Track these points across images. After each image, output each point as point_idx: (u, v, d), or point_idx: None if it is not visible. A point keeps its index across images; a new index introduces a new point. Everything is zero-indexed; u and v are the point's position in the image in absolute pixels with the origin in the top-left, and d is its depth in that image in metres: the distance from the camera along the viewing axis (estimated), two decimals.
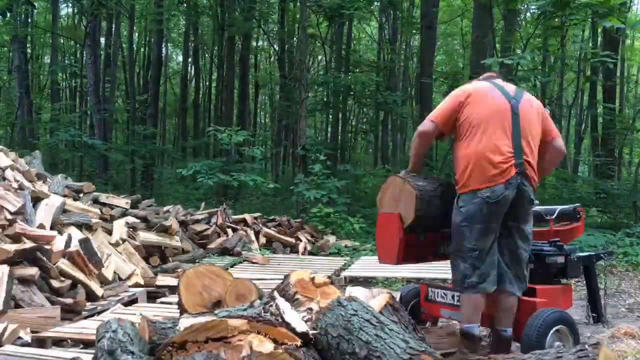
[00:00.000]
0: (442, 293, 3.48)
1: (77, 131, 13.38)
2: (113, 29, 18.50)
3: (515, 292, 3.15)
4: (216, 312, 2.33)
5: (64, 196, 5.64)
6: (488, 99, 3.15)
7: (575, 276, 3.85)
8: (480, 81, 3.37)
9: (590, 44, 14.59)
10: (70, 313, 3.88)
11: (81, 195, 6.38)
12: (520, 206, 3.10)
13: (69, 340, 3.29)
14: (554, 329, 3.08)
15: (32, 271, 3.79)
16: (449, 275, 3.66)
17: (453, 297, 3.38)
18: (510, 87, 3.32)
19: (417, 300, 3.69)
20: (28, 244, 3.98)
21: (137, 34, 22.96)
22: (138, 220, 6.14)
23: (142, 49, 24.52)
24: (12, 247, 3.80)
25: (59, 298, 3.87)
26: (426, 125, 3.25)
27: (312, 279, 2.81)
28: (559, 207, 3.89)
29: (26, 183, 5.28)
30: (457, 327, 3.51)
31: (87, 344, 3.19)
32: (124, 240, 5.49)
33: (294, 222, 8.70)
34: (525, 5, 12.15)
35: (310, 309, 2.50)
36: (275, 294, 2.39)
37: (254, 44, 22.66)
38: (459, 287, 3.16)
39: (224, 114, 16.59)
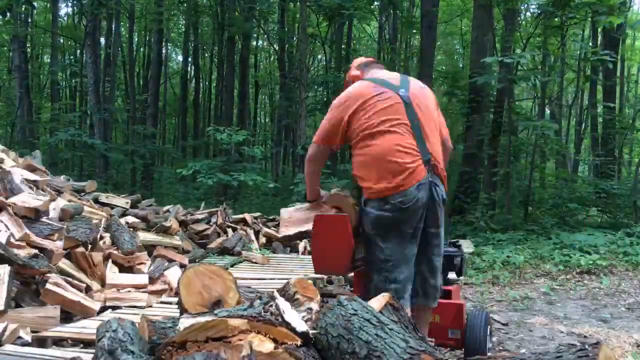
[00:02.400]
0: None
1: (77, 131, 13.38)
2: (113, 29, 18.51)
3: (432, 304, 2.89)
4: (216, 311, 2.33)
5: (69, 200, 5.66)
6: (374, 100, 2.78)
7: (465, 274, 3.80)
8: (359, 82, 2.95)
9: (590, 44, 14.60)
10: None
11: (83, 194, 6.38)
12: (433, 209, 2.76)
13: (69, 340, 3.28)
14: (488, 326, 3.14)
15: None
16: None
17: None
18: (393, 76, 2.96)
19: None
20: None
21: (137, 34, 22.97)
22: (138, 220, 6.13)
23: (142, 49, 24.55)
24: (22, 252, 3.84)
25: None
26: (311, 150, 2.96)
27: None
28: None
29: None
30: None
31: (87, 344, 3.19)
32: None
33: None
34: (525, 5, 12.15)
35: (310, 308, 2.50)
36: (276, 293, 2.39)
37: (254, 43, 22.67)
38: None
39: (223, 113, 16.61)
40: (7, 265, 3.48)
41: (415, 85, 2.92)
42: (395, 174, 2.67)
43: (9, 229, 3.95)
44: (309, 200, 3.14)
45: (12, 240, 3.85)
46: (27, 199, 4.46)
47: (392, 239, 2.71)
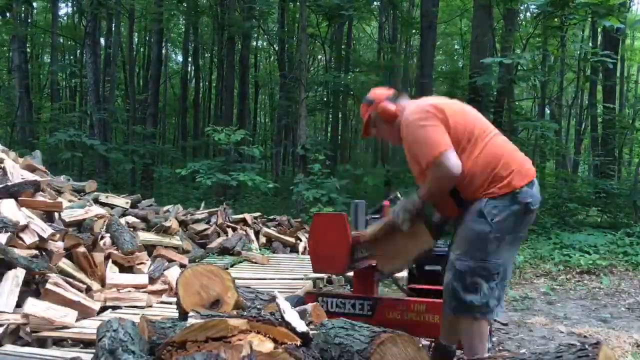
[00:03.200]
0: (338, 302, 3.18)
1: (77, 131, 13.38)
2: (113, 29, 18.51)
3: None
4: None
5: (69, 201, 5.67)
6: (457, 106, 2.70)
7: None
8: (425, 103, 2.73)
9: (590, 44, 14.60)
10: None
11: (83, 194, 6.38)
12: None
13: (69, 340, 3.29)
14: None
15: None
16: None
17: (354, 305, 3.12)
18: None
19: None
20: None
21: (137, 34, 22.97)
22: (138, 220, 6.14)
23: (142, 49, 24.54)
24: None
25: None
26: (452, 161, 2.50)
27: None
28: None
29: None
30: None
31: (87, 344, 3.19)
32: None
33: (294, 222, 8.70)
34: (525, 5, 12.15)
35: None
36: (276, 293, 2.39)
37: (254, 43, 22.68)
38: (478, 312, 2.56)
39: (223, 113, 16.60)
40: (23, 270, 3.53)
41: None
42: (524, 164, 2.59)
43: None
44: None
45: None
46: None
47: (508, 243, 2.55)
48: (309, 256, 3.08)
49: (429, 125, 2.56)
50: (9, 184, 4.65)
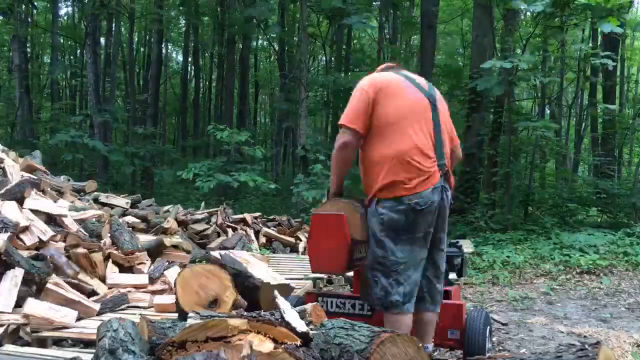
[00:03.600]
0: (337, 302, 3.20)
1: (78, 132, 13.37)
2: (113, 29, 18.52)
3: (437, 309, 2.87)
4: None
5: (71, 202, 5.68)
6: (404, 93, 2.74)
7: (465, 274, 3.76)
8: (389, 72, 2.89)
9: (590, 44, 14.60)
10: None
11: (83, 194, 6.39)
12: (443, 213, 2.76)
13: (69, 340, 3.29)
14: (488, 326, 3.10)
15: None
16: None
17: (353, 305, 3.15)
18: (421, 80, 2.91)
19: None
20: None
21: (137, 34, 22.98)
22: (138, 220, 6.14)
23: (142, 49, 24.56)
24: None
25: None
26: (347, 135, 2.72)
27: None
28: None
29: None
30: None
31: (87, 344, 3.19)
32: None
33: (294, 222, 8.71)
34: (525, 5, 12.14)
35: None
36: (276, 293, 2.39)
37: (254, 43, 22.67)
38: (378, 305, 2.73)
39: (223, 113, 16.62)
40: (22, 269, 3.54)
41: (437, 91, 2.91)
42: (414, 176, 2.62)
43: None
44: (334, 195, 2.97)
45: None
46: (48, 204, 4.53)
47: (403, 242, 2.65)
48: (308, 256, 3.08)
49: (355, 97, 2.76)
50: (10, 186, 4.65)
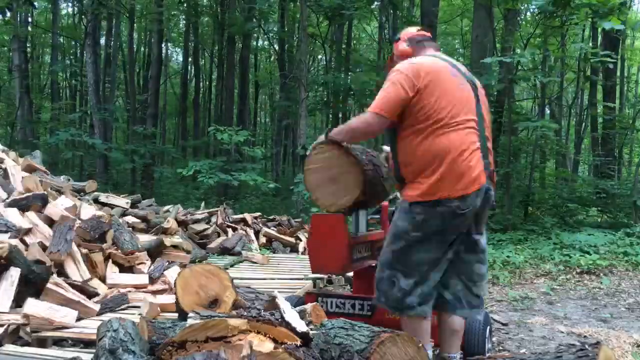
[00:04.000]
0: (337, 302, 3.17)
1: (78, 131, 13.39)
2: (113, 29, 18.52)
3: (469, 314, 2.67)
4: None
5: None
6: (455, 84, 2.52)
7: None
8: (431, 57, 2.63)
9: (590, 44, 14.60)
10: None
11: (83, 194, 6.38)
12: (483, 215, 2.61)
13: (69, 340, 3.29)
14: (488, 326, 3.08)
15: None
16: None
17: (353, 306, 3.12)
18: (461, 65, 2.70)
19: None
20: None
21: (137, 34, 22.98)
22: (138, 220, 6.14)
23: (142, 49, 24.56)
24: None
25: None
26: (376, 121, 2.52)
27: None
28: None
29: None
30: None
31: (87, 344, 3.19)
32: None
33: (294, 222, 8.71)
34: (525, 5, 12.14)
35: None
36: (276, 293, 2.39)
37: (254, 43, 22.68)
38: (392, 305, 2.56)
39: (224, 113, 16.62)
40: (18, 269, 3.54)
41: (477, 80, 2.69)
42: (460, 178, 2.43)
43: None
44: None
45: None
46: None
47: (433, 243, 2.49)
48: (308, 256, 3.08)
49: (393, 85, 2.51)
50: (19, 197, 4.63)
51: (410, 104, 2.49)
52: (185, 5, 17.68)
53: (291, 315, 2.05)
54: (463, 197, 2.43)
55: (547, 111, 16.19)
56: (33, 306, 3.30)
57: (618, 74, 17.07)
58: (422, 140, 2.48)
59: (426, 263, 2.51)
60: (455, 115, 2.46)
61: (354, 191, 2.80)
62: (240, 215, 8.19)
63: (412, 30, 2.83)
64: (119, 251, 4.67)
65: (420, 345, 1.97)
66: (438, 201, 2.44)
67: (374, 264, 3.32)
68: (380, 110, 2.50)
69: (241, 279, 5.31)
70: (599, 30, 14.22)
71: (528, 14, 14.96)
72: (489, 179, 2.55)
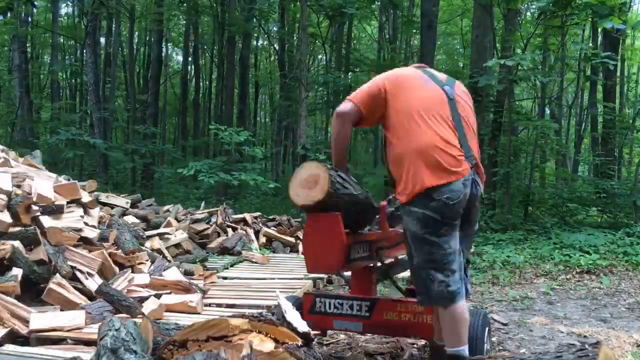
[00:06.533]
0: (335, 303, 3.14)
1: (78, 131, 13.40)
2: (113, 29, 18.52)
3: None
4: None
5: None
6: (420, 85, 2.72)
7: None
8: (406, 67, 2.97)
9: (591, 44, 14.60)
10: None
11: None
12: (474, 207, 2.71)
13: (69, 340, 3.29)
14: (486, 327, 3.06)
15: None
16: None
17: (351, 306, 3.10)
18: (442, 75, 2.88)
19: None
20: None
21: (137, 34, 22.99)
22: (138, 220, 6.15)
23: (142, 49, 24.56)
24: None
25: None
26: (346, 105, 2.75)
27: None
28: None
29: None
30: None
31: (87, 344, 3.20)
32: None
33: (294, 222, 8.71)
34: (526, 5, 12.16)
35: None
36: (278, 292, 2.39)
37: (254, 43, 22.68)
38: (440, 301, 2.62)
39: (224, 113, 16.61)
40: (20, 269, 3.54)
41: (460, 86, 2.88)
42: (442, 164, 2.54)
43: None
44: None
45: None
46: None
47: (444, 233, 2.58)
48: (303, 256, 3.06)
49: (368, 83, 2.83)
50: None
51: (386, 105, 2.71)
52: (185, 5, 17.66)
53: (292, 315, 2.06)
54: (449, 187, 2.54)
55: (547, 111, 16.20)
56: (38, 322, 3.27)
57: (618, 73, 17.07)
58: (398, 140, 2.66)
59: (449, 253, 2.60)
60: (423, 110, 2.63)
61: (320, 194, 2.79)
62: (240, 215, 8.20)
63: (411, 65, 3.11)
64: (120, 251, 4.68)
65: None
66: (427, 194, 2.55)
67: (372, 265, 3.32)
68: (353, 98, 2.77)
69: (241, 278, 5.32)
70: (599, 30, 14.23)
71: (528, 14, 14.97)
72: (473, 171, 2.65)
